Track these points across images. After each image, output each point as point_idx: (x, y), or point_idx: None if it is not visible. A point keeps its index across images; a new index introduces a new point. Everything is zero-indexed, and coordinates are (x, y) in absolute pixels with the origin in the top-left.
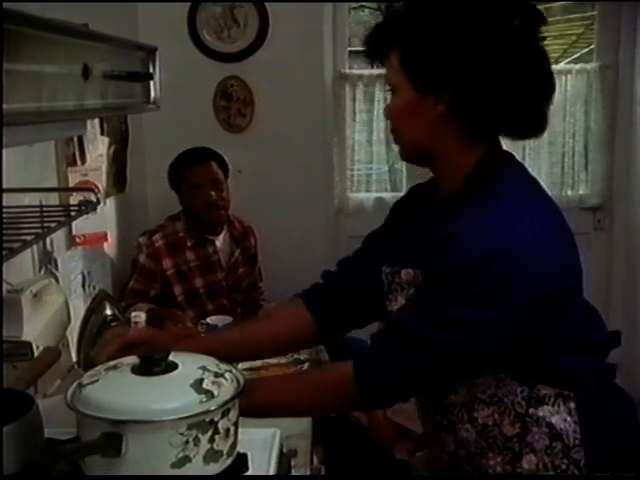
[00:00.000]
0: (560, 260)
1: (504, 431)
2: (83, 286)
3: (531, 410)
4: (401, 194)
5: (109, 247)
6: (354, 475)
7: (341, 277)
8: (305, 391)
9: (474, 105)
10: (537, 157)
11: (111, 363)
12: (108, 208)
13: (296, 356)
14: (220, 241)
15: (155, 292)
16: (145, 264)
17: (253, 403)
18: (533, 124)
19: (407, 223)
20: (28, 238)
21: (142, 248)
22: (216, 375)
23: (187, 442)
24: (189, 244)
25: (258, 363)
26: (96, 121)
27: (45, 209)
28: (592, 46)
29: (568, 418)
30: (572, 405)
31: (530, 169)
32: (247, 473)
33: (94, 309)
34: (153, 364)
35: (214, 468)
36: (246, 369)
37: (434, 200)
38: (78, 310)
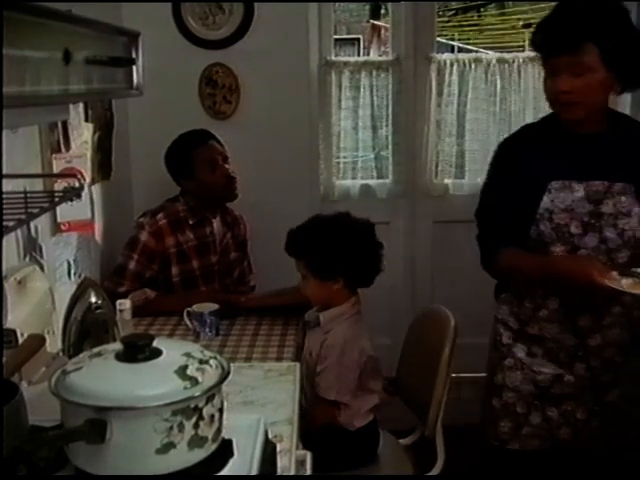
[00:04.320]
0: None
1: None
2: (68, 273)
3: None
4: (387, 181)
5: (95, 234)
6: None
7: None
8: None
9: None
10: None
11: (95, 350)
12: (94, 195)
13: None
14: (216, 223)
15: (151, 273)
16: (147, 243)
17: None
18: None
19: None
20: (11, 224)
21: (144, 227)
22: (200, 362)
23: (171, 428)
24: (190, 222)
25: None
26: (80, 108)
27: (29, 195)
28: None
29: None
30: None
31: None
32: (232, 458)
33: (79, 296)
34: (137, 350)
35: (199, 454)
36: None
37: (570, 136)
38: (63, 297)
